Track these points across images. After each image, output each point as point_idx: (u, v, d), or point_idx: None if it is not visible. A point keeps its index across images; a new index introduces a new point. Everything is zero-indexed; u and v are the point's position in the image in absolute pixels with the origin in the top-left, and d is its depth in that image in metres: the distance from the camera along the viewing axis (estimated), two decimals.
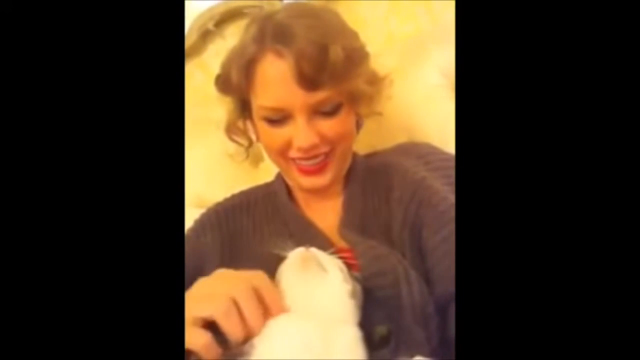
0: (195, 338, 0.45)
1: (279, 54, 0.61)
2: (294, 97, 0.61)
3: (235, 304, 0.46)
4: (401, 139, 0.84)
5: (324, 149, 0.65)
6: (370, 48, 0.72)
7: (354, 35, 0.68)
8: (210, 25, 1.10)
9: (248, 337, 0.46)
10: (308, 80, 0.60)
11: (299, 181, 0.68)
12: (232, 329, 0.45)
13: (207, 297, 0.47)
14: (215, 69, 0.73)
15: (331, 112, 0.64)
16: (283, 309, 0.49)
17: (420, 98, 0.87)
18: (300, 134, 0.63)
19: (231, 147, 0.80)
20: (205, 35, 1.12)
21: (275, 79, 0.62)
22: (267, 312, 0.48)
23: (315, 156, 0.65)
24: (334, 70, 0.60)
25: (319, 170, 0.66)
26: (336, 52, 0.60)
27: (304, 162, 0.66)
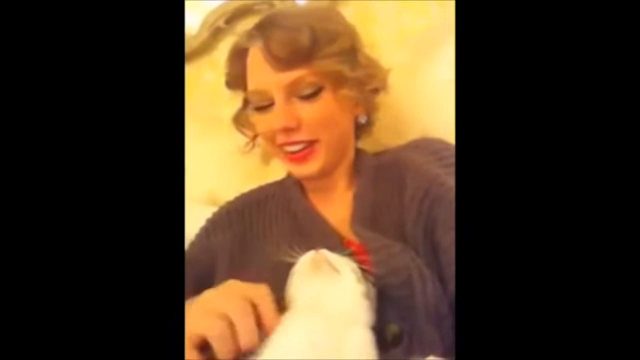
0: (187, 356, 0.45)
1: (255, 40, 0.67)
2: (269, 78, 0.65)
3: (230, 323, 0.46)
4: (413, 135, 0.83)
5: (305, 135, 0.66)
6: (381, 44, 0.72)
7: (336, 18, 0.71)
8: (222, 23, 1.10)
9: (241, 356, 0.46)
10: (278, 60, 0.64)
11: (291, 170, 0.71)
12: (223, 351, 0.45)
13: (205, 313, 0.47)
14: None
15: (310, 96, 0.65)
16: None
17: (433, 94, 0.86)
18: (276, 115, 0.65)
19: (242, 143, 0.80)
20: (217, 33, 1.12)
21: (256, 64, 0.67)
22: (263, 330, 0.47)
23: (297, 142, 0.66)
24: (302, 49, 0.64)
25: (304, 157, 0.67)
26: (304, 32, 0.64)
27: (288, 148, 0.67)
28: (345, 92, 0.67)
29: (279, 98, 0.65)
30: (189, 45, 1.12)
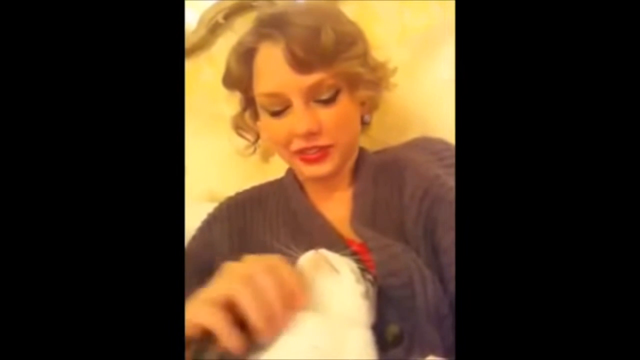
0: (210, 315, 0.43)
1: (273, 40, 0.63)
2: (289, 81, 0.62)
3: (253, 281, 0.44)
4: (414, 134, 0.83)
5: (326, 140, 0.64)
6: (383, 42, 0.72)
7: (346, 19, 0.69)
8: (220, 18, 1.10)
9: (271, 321, 0.43)
10: (300, 62, 0.61)
11: (302, 170, 0.68)
12: (250, 307, 0.42)
13: (223, 277, 0.46)
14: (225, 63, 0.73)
15: (330, 100, 0.63)
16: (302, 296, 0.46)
17: (433, 93, 0.86)
18: (298, 118, 0.63)
19: (241, 142, 0.80)
20: (215, 29, 1.12)
21: (271, 65, 0.63)
22: (289, 298, 0.45)
23: (316, 147, 0.65)
24: (325, 52, 0.61)
25: (319, 158, 0.66)
26: (327, 34, 0.61)
27: (306, 152, 0.65)
28: (361, 93, 0.66)
29: (298, 102, 0.62)
30: (187, 41, 1.12)
